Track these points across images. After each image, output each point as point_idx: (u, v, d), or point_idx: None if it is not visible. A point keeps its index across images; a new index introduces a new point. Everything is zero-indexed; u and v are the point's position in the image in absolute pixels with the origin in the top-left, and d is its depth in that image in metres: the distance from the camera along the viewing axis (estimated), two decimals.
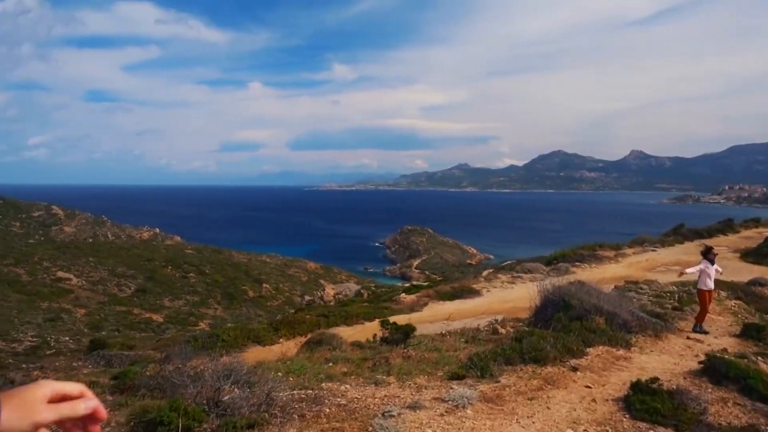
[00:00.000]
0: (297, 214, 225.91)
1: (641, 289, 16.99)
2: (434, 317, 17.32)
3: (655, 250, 29.92)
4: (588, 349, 9.04)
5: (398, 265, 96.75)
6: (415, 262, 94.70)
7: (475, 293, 20.84)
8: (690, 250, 29.31)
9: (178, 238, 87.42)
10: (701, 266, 12.32)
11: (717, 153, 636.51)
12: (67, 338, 25.49)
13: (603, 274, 22.17)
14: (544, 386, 7.28)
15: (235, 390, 5.92)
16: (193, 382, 6.18)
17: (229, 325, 27.79)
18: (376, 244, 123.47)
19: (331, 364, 8.98)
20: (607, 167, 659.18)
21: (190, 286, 53.09)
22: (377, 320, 17.51)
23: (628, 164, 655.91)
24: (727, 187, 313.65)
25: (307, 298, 34.00)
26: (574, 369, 8.07)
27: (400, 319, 17.14)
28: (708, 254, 12.58)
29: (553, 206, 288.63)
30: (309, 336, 13.15)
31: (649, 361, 9.13)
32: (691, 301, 14.41)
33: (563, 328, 9.73)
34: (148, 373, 7.93)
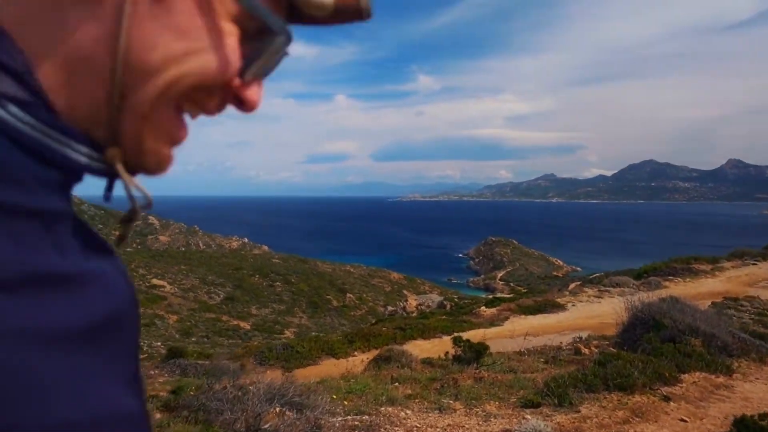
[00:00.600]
0: (380, 224, 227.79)
1: (741, 306, 15.91)
2: (514, 332, 16.75)
3: (756, 264, 27.89)
4: (682, 376, 8.20)
5: (482, 276, 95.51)
6: (500, 274, 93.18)
7: (559, 308, 20.04)
8: None
9: (266, 248, 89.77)
10: None
11: None
12: (158, 343, 26.58)
13: (698, 289, 20.81)
14: (631, 419, 6.65)
15: (281, 414, 5.51)
16: (232, 406, 5.74)
17: (313, 334, 28.23)
18: (460, 255, 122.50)
19: (396, 384, 8.54)
20: (702, 177, 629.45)
21: (276, 294, 54.32)
22: (456, 333, 17.14)
23: (724, 173, 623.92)
24: None
25: (389, 308, 34.07)
26: (667, 399, 7.35)
27: (479, 334, 16.44)
28: None
29: (644, 217, 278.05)
30: (379, 350, 12.85)
31: (755, 391, 8.20)
32: None
33: (653, 351, 8.79)
34: (191, 393, 7.39)
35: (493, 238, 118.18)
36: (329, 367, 13.45)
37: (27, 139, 0.47)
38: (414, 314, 27.06)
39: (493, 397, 7.58)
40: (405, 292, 61.03)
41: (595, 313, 18.00)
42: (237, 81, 0.59)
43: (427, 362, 11.01)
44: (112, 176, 0.56)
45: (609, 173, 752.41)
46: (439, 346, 14.76)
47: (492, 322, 18.80)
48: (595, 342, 12.28)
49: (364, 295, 59.67)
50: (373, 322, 28.78)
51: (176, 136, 0.60)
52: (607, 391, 7.48)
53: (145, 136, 0.56)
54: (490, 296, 36.50)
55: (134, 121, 0.55)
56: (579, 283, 26.35)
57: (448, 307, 26.37)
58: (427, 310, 27.37)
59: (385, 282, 69.48)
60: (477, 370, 9.06)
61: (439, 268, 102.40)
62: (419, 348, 14.10)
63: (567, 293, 22.75)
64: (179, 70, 0.54)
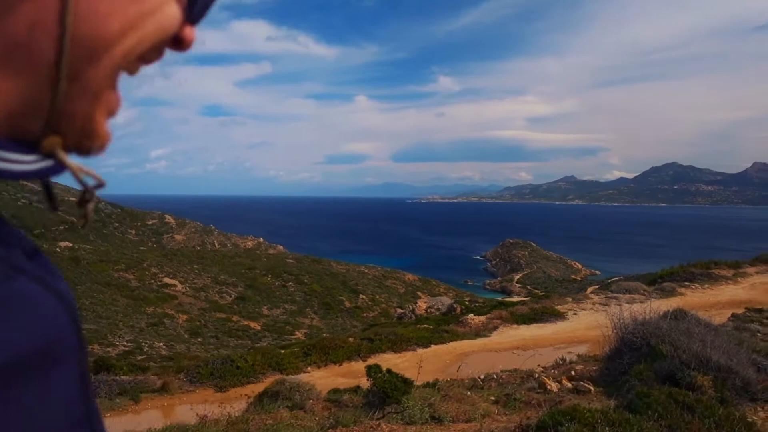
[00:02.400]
0: (399, 225, 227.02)
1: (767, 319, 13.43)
2: (502, 344, 14.93)
3: None
4: None
5: (499, 278, 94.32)
6: (517, 276, 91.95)
7: (559, 316, 18.10)
8: None
9: (281, 248, 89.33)
10: None
11: None
12: (161, 344, 26.01)
13: (717, 297, 19.33)
14: None
15: None
16: None
17: (325, 335, 27.46)
18: (477, 257, 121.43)
19: None
20: (726, 180, 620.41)
21: (289, 295, 53.72)
22: (434, 345, 15.45)
23: (749, 177, 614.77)
24: None
25: (399, 311, 33.20)
26: None
27: (458, 347, 15.07)
28: None
29: (665, 220, 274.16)
30: (275, 380, 10.47)
31: None
32: None
33: (641, 399, 5.97)
34: None
35: (511, 240, 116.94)
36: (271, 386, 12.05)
37: None
38: (425, 316, 26.18)
39: None
40: (419, 293, 60.08)
41: (599, 323, 16.74)
42: (187, 28, 0.55)
43: (334, 400, 8.76)
44: (49, 174, 0.49)
45: (631, 176, 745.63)
46: (410, 362, 13.19)
47: (478, 333, 16.94)
48: (579, 367, 9.83)
49: (378, 297, 58.87)
50: (365, 327, 27.98)
51: (115, 108, 0.54)
52: None
53: (97, 115, 0.51)
54: (503, 299, 35.51)
55: (86, 102, 0.50)
56: (597, 287, 25.17)
57: (459, 310, 25.41)
58: (437, 313, 26.50)
59: (399, 283, 68.61)
60: (377, 421, 6.67)
61: (455, 270, 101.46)
62: (388, 363, 12.55)
63: (570, 300, 20.92)
64: (137, 36, 0.50)
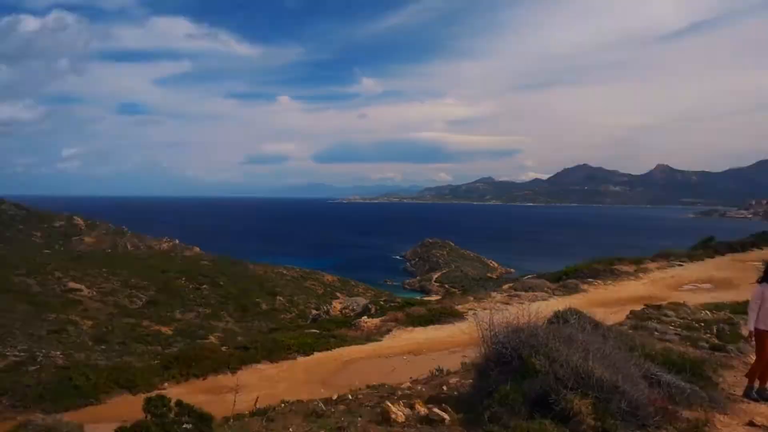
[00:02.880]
0: (319, 225, 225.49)
1: (666, 315, 13.05)
2: (393, 349, 14.02)
3: (681, 265, 27.45)
4: None
5: (418, 278, 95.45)
6: (435, 275, 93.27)
7: (458, 317, 17.45)
8: (723, 265, 27.15)
9: (197, 249, 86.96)
10: (759, 292, 7.76)
11: (745, 168, 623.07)
12: (58, 353, 24.60)
13: (619, 293, 19.84)
14: None
15: None
16: None
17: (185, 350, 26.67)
18: (397, 257, 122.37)
19: None
20: (632, 181, 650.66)
21: (203, 297, 52.28)
22: (318, 353, 14.19)
23: (653, 178, 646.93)
24: (753, 202, 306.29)
25: (314, 312, 32.83)
26: None
27: (344, 353, 13.97)
28: None
29: (577, 220, 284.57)
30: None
31: None
32: (737, 337, 10.77)
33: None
34: None
35: (430, 240, 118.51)
36: (119, 408, 9.96)
37: None
38: (340, 318, 25.95)
39: None
40: (337, 294, 59.80)
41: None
42: None
43: None
44: None
45: (545, 177, 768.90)
46: (288, 374, 11.97)
47: (369, 337, 15.90)
48: (454, 381, 8.45)
49: (295, 298, 58.26)
50: (269, 330, 27.56)
51: None
52: None
53: None
54: (421, 298, 35.76)
55: None
56: (512, 284, 25.60)
57: (373, 310, 25.33)
58: (352, 314, 26.35)
59: (318, 284, 68.17)
60: None
61: (375, 270, 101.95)
62: (262, 375, 11.03)
63: (471, 299, 20.50)
64: None
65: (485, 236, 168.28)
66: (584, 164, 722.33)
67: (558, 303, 13.19)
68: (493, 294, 21.26)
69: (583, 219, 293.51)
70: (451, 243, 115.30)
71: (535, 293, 20.32)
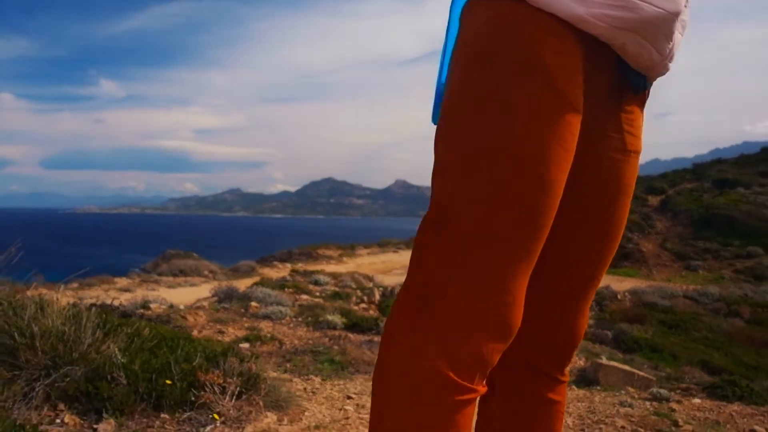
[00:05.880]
0: (46, 239, 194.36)
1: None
2: None
3: (397, 252, 28.29)
4: None
5: None
6: None
7: None
8: None
9: None
10: None
11: None
12: None
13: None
14: None
15: None
16: None
17: None
18: (137, 270, 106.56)
19: None
20: (374, 195, 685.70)
21: None
22: None
23: (393, 192, 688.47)
24: None
25: None
26: None
27: None
28: None
29: (322, 231, 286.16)
30: None
31: None
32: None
33: None
34: None
35: (172, 251, 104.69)
36: None
37: None
38: None
39: None
40: None
41: None
42: None
43: None
44: None
45: (293, 189, 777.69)
46: None
47: None
48: None
49: None
50: None
51: None
52: None
53: None
54: None
55: None
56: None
57: None
58: None
59: None
60: None
61: None
62: None
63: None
64: None
65: (231, 247, 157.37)
66: (330, 177, 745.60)
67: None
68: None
69: (328, 230, 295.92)
70: (195, 255, 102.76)
71: (188, 277, 16.48)
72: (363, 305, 6.53)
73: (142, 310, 4.91)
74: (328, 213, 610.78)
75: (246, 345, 3.68)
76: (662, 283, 19.57)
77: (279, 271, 18.16)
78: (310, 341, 3.99)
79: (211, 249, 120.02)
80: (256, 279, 13.47)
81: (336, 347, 3.74)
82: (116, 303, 3.94)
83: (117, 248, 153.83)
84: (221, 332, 4.04)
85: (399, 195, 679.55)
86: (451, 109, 0.94)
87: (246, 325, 4.32)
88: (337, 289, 7.99)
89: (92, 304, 3.65)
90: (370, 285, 9.66)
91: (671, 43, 0.96)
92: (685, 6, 0.95)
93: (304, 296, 6.62)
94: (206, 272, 17.20)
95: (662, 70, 1.01)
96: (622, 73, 0.97)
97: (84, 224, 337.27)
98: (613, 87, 0.99)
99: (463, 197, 0.92)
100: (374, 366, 1.01)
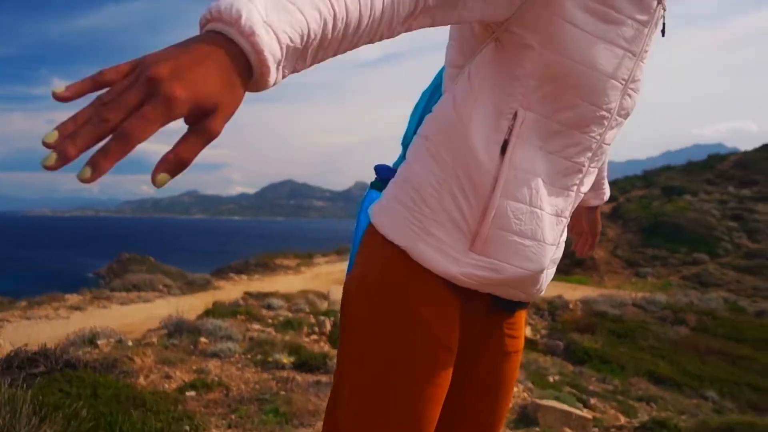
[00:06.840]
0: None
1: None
2: None
3: None
4: None
5: None
6: None
7: None
8: None
9: None
10: None
11: None
12: None
13: (268, 288, 15.49)
14: None
15: None
16: None
17: None
18: (90, 275, 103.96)
19: None
20: (335, 197, 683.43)
21: None
22: None
23: (352, 194, 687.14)
24: None
25: None
26: None
27: None
28: None
29: (281, 233, 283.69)
30: None
31: None
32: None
33: None
34: None
35: (127, 255, 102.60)
36: None
37: None
38: None
39: None
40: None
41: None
42: None
43: None
44: None
45: (252, 191, 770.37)
46: None
47: None
48: None
49: None
50: None
51: None
52: None
53: None
54: None
55: None
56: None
57: None
58: None
59: None
60: None
61: (65, 289, 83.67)
62: None
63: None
64: None
65: (188, 250, 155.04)
66: (290, 179, 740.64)
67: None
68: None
69: (288, 233, 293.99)
70: (152, 258, 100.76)
71: (141, 293, 15.09)
72: (314, 336, 6.60)
73: (89, 349, 4.87)
74: (287, 215, 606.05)
75: (193, 393, 3.70)
76: (613, 291, 20.00)
77: (235, 284, 18.13)
78: (257, 385, 4.01)
79: (167, 253, 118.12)
80: (211, 294, 13.55)
81: (283, 392, 3.79)
82: (60, 348, 3.88)
83: (70, 252, 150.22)
84: (168, 377, 4.05)
85: (359, 197, 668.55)
86: (353, 333, 1.09)
87: (194, 367, 4.33)
88: (290, 314, 7.98)
89: (34, 353, 3.59)
90: (325, 306, 9.65)
91: (538, 285, 1.10)
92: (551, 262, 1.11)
93: (256, 325, 6.65)
94: (161, 286, 16.55)
95: (537, 295, 1.13)
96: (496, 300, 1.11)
97: (36, 227, 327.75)
98: (492, 305, 1.11)
99: (349, 411, 1.06)
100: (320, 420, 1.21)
